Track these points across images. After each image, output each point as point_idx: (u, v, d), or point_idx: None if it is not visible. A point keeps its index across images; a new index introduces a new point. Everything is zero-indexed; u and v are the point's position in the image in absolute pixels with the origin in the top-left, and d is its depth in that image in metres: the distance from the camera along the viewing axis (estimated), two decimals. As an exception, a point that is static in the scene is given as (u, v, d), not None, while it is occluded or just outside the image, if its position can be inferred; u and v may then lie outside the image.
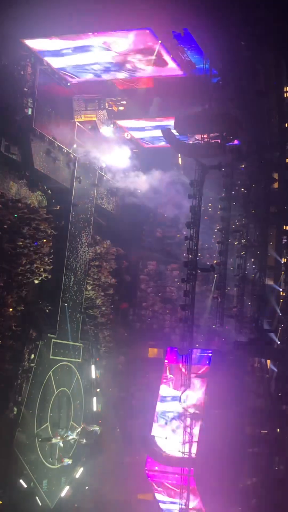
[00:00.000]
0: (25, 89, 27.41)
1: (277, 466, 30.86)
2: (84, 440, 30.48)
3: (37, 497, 27.71)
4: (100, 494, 31.74)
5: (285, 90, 31.80)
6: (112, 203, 34.88)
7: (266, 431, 31.09)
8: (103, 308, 33.84)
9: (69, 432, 29.52)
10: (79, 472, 30.38)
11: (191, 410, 30.04)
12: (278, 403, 31.21)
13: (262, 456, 30.80)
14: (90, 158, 31.93)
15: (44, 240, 28.30)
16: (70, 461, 29.49)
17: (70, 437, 29.51)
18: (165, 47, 26.52)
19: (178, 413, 30.81)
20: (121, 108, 30.89)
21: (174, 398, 31.28)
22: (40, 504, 27.87)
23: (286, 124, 32.28)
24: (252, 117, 30.78)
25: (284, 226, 33.32)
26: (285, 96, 32.02)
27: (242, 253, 32.02)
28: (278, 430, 31.05)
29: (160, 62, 27.58)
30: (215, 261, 31.95)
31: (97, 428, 31.00)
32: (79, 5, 25.10)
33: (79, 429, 30.14)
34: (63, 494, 29.48)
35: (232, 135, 28.18)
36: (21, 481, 26.90)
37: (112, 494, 32.14)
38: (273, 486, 30.34)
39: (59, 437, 28.73)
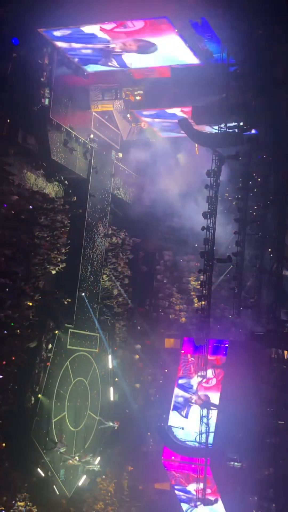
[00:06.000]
0: (42, 79, 27.35)
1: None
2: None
3: (54, 486, 27.93)
4: (117, 484, 31.92)
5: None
6: (128, 194, 34.83)
7: (283, 422, 31.00)
8: (120, 299, 33.90)
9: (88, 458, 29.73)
10: (96, 462, 30.53)
11: (208, 401, 30.04)
12: (295, 394, 31.10)
13: (279, 447, 30.72)
14: (107, 148, 31.83)
15: (61, 230, 28.36)
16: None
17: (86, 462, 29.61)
18: (182, 36, 26.28)
19: (195, 403, 30.83)
20: (138, 97, 30.68)
21: (190, 388, 31.31)
22: (58, 493, 28.09)
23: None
24: (270, 106, 30.46)
25: (302, 216, 33.05)
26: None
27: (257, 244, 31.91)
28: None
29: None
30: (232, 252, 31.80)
31: (113, 425, 31.05)
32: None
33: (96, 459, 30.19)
34: (80, 483, 29.66)
35: (249, 125, 27.94)
36: (39, 470, 27.11)
37: (129, 483, 32.36)
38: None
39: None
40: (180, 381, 31.77)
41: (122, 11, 25.53)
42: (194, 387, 30.81)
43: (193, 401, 30.79)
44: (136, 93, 30.60)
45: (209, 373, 30.19)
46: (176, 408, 31.26)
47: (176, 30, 25.85)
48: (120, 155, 32.95)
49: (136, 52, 27.52)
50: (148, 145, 33.64)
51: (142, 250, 36.06)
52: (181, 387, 31.50)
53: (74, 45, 27.65)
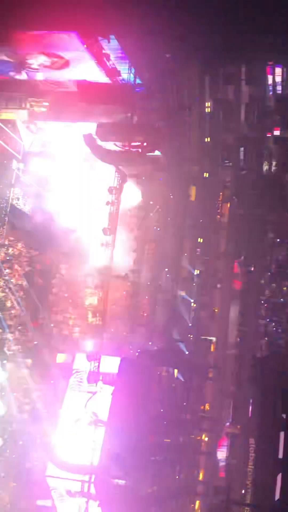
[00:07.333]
0: None
1: (178, 475, 31.13)
2: None
3: None
4: (-2, 500, 31.15)
5: (206, 105, 32.30)
6: (28, 205, 34.32)
7: (169, 440, 31.32)
8: (13, 311, 33.26)
9: None
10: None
11: (96, 417, 29.92)
12: (182, 412, 31.52)
13: (164, 464, 31.01)
14: (8, 158, 31.36)
15: None
16: None
17: None
18: (91, 52, 26.42)
19: (82, 420, 30.62)
20: (42, 109, 30.49)
21: (79, 405, 31.08)
22: None
23: (206, 139, 32.78)
24: (173, 129, 31.11)
25: (199, 239, 33.80)
26: (206, 111, 32.51)
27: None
28: (181, 439, 31.33)
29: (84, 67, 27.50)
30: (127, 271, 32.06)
31: None
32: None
33: None
34: None
35: (153, 146, 28.44)
36: None
37: (11, 500, 31.60)
38: (174, 494, 30.60)
39: None
40: (68, 397, 31.46)
41: (33, 23, 25.39)
42: (83, 405, 30.56)
43: (82, 419, 30.55)
44: (41, 104, 30.38)
45: (98, 389, 30.09)
46: (63, 425, 30.88)
47: (85, 46, 25.98)
48: (22, 165, 32.51)
49: (53, 69, 27.48)
50: (51, 157, 33.37)
51: (39, 262, 35.55)
52: (70, 405, 31.21)
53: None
